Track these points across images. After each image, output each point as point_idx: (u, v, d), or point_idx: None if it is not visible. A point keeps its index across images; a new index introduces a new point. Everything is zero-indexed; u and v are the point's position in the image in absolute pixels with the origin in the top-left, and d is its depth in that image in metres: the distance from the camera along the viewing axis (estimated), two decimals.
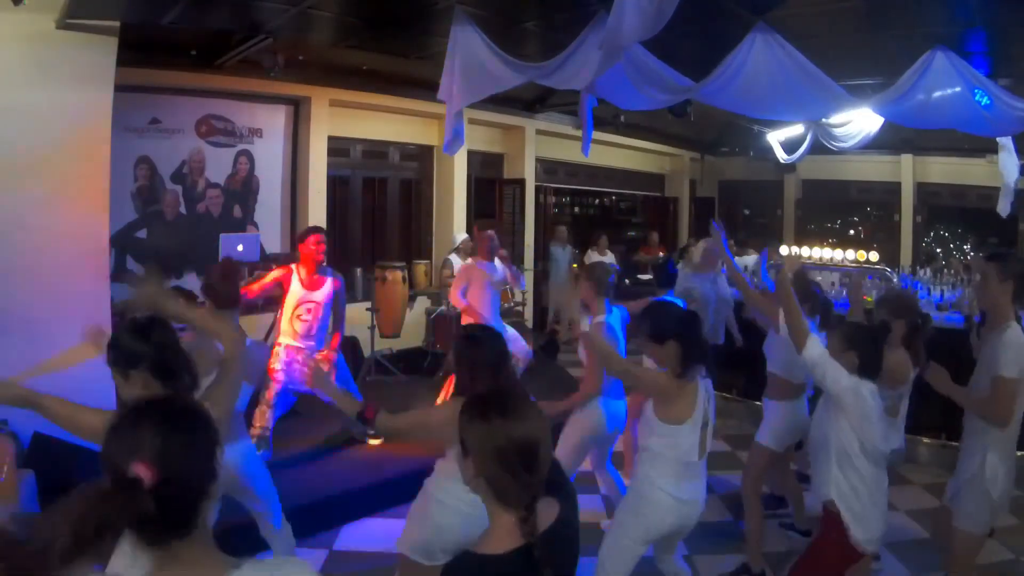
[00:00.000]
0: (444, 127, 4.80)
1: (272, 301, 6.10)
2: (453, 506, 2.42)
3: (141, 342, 2.00)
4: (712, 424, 2.81)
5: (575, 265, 9.05)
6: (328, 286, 4.61)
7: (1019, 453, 2.97)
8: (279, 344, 4.57)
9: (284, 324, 4.59)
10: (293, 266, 4.64)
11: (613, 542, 2.77)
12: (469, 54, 4.35)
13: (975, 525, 2.85)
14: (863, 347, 2.68)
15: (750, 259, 8.87)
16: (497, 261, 5.55)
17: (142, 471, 0.99)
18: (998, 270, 2.86)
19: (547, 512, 1.46)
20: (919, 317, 3.36)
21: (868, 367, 2.67)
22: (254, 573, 1.11)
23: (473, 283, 5.40)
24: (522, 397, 1.56)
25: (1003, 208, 6.96)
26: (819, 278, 7.33)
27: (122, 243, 6.02)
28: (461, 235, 8.10)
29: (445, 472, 2.50)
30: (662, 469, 2.70)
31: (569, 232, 9.94)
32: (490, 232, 5.67)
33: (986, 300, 2.97)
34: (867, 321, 3.48)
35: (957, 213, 11.10)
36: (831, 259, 8.29)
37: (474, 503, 1.59)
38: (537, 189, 9.93)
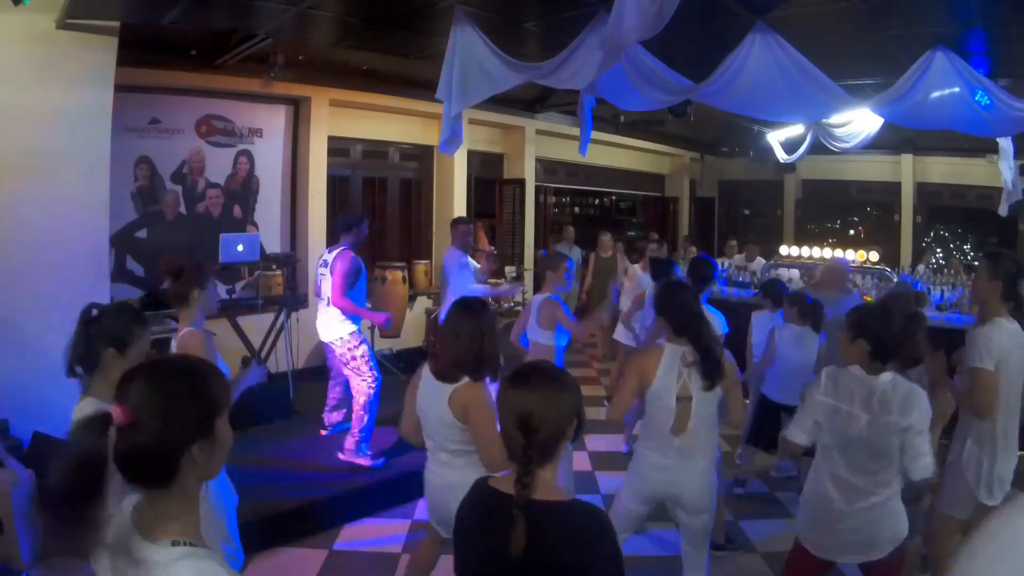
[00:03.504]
0: (442, 127, 4.82)
1: (273, 301, 6.13)
2: None
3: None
4: (696, 399, 2.66)
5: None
6: None
7: (1021, 453, 3.00)
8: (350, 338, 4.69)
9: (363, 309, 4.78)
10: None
11: (616, 502, 2.95)
12: (468, 54, 4.35)
13: (952, 507, 2.96)
14: (872, 331, 2.44)
15: (751, 261, 8.88)
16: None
17: (116, 412, 1.13)
18: (988, 268, 2.96)
19: (552, 491, 1.54)
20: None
21: (880, 351, 2.43)
22: (194, 556, 1.15)
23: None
24: (542, 374, 1.63)
25: (1003, 209, 7.04)
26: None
27: (122, 243, 6.01)
28: None
29: None
30: (643, 436, 2.87)
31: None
32: (462, 227, 5.68)
33: (976, 296, 3.10)
34: None
35: (957, 213, 11.11)
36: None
37: None
38: (537, 189, 9.92)
